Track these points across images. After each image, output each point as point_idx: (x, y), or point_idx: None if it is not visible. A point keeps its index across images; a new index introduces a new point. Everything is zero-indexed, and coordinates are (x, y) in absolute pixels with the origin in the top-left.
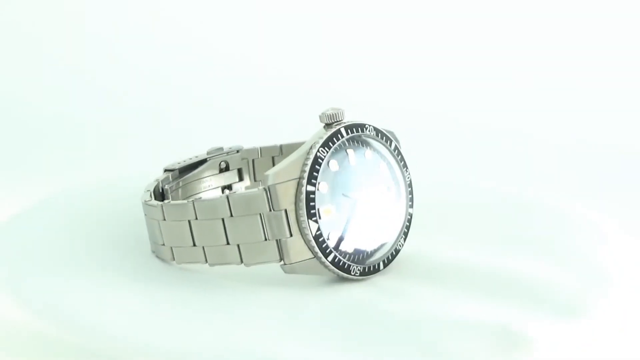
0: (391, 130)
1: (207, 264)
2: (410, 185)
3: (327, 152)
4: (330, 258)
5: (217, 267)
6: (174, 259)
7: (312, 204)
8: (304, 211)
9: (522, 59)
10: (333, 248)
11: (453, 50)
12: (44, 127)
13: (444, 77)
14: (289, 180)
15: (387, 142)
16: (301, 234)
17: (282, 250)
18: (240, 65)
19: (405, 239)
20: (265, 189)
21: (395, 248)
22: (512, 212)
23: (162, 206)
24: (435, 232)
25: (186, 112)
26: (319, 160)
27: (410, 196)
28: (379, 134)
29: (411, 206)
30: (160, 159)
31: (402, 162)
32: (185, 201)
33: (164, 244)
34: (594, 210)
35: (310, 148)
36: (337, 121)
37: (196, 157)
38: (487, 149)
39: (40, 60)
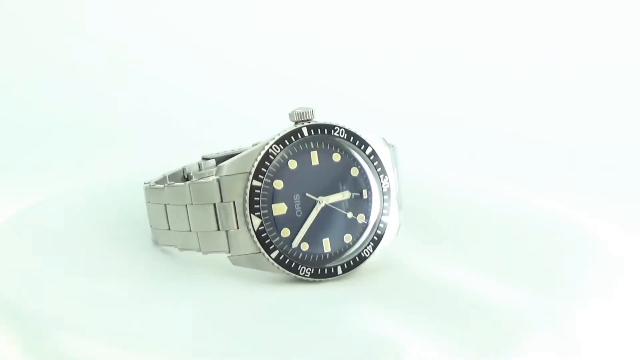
0: (381, 136)
1: (178, 248)
2: (387, 193)
3: (281, 149)
4: (273, 255)
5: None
6: (157, 241)
7: (256, 198)
8: (247, 205)
9: (520, 59)
10: (283, 246)
11: (452, 50)
12: (45, 128)
13: (446, 79)
14: (240, 174)
15: (360, 147)
16: (247, 227)
17: (229, 241)
18: (243, 66)
19: (374, 247)
20: (217, 180)
21: (360, 254)
22: (509, 223)
23: (146, 189)
24: (422, 242)
25: (193, 113)
26: (270, 156)
27: (386, 204)
28: (352, 137)
29: (386, 214)
30: (164, 159)
31: (379, 169)
32: (161, 185)
33: (151, 226)
34: (596, 221)
35: (265, 144)
36: (305, 120)
37: (239, 148)
38: (490, 151)
39: (44, 62)
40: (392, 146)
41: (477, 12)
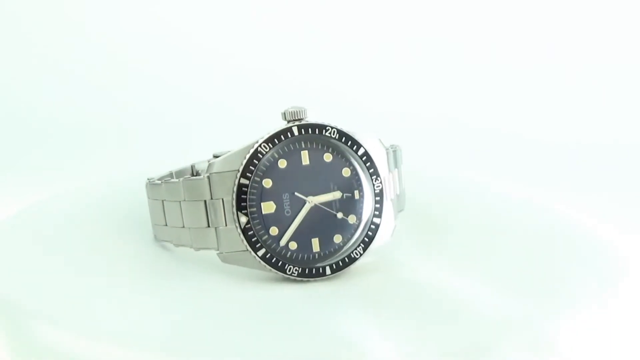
0: (377, 137)
1: (173, 243)
2: (379, 194)
3: (270, 148)
4: (260, 253)
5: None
6: (157, 237)
7: (243, 196)
8: (234, 202)
9: (519, 59)
10: (271, 244)
11: (452, 50)
12: (45, 128)
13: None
14: (229, 171)
15: (352, 147)
16: (234, 225)
17: (218, 238)
18: (244, 66)
19: (365, 248)
20: (207, 177)
21: (349, 255)
22: (511, 224)
23: (146, 185)
24: (422, 244)
25: (193, 113)
26: (259, 155)
27: (378, 206)
28: (344, 138)
29: (378, 216)
30: (164, 159)
31: (372, 170)
32: (159, 182)
33: (152, 222)
34: (598, 222)
35: (255, 142)
36: (297, 119)
37: None
38: (490, 151)
39: (44, 62)
40: (397, 147)
41: (478, 13)
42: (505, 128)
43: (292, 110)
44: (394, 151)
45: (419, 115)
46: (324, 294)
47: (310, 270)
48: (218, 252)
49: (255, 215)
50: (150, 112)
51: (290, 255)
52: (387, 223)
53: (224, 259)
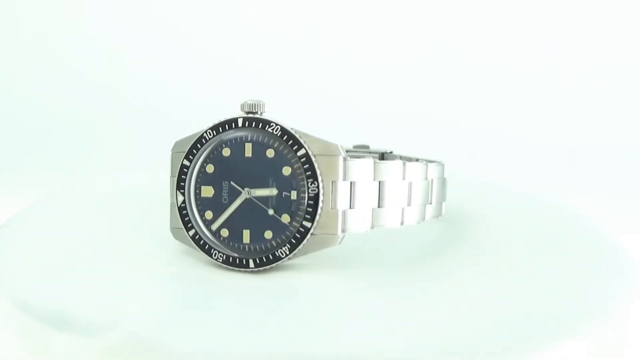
0: (338, 143)
1: None
2: (313, 199)
3: (214, 135)
4: (191, 233)
5: None
6: None
7: (183, 177)
8: (175, 181)
9: (521, 59)
10: (207, 227)
11: (453, 50)
12: (45, 128)
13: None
14: (179, 152)
15: (293, 147)
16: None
17: (171, 213)
18: (245, 66)
19: (291, 250)
20: (171, 155)
21: (274, 253)
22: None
23: None
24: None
25: (192, 112)
26: (203, 140)
27: (310, 209)
28: (286, 136)
29: (309, 220)
30: (164, 159)
31: (309, 173)
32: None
33: None
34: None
35: (205, 129)
36: (252, 112)
37: None
38: (491, 151)
39: (44, 62)
40: (433, 160)
41: (479, 14)
42: (505, 128)
43: (250, 102)
44: (432, 164)
45: (418, 114)
46: (216, 282)
47: (235, 259)
48: (170, 227)
49: (197, 196)
50: (150, 112)
51: (222, 241)
52: (327, 230)
53: (172, 234)
